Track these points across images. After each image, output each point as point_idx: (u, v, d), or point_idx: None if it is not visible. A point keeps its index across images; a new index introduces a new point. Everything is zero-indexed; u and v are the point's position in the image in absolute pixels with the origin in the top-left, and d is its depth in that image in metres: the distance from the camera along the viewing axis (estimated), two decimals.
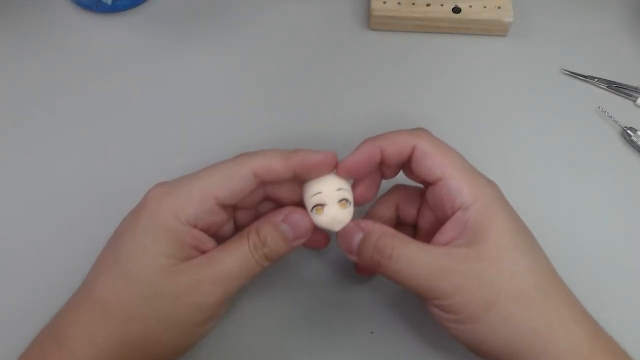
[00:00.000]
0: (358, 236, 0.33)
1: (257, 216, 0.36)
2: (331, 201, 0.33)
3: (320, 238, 0.37)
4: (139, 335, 0.31)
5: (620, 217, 0.42)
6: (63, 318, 0.32)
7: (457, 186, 0.32)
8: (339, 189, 0.33)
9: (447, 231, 0.33)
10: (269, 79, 0.48)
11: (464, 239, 0.32)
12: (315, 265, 0.40)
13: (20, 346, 0.32)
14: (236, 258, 0.32)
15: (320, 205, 0.33)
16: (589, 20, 0.51)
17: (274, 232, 0.33)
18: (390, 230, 0.33)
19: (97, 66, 0.48)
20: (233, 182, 0.33)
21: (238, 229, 0.36)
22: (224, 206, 0.33)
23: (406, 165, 0.35)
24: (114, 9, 0.50)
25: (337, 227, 0.33)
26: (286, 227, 0.33)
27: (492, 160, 0.44)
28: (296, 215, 0.34)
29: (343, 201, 0.33)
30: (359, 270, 0.39)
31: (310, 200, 0.34)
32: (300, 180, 0.35)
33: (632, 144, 0.44)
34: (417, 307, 0.39)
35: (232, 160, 0.34)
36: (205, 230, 0.33)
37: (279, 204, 0.36)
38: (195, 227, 0.32)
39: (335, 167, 0.34)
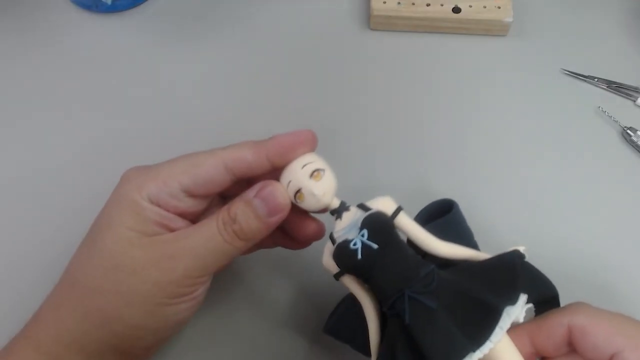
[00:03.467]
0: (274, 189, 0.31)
1: None
2: (303, 182, 0.31)
3: (312, 229, 0.34)
4: (100, 309, 0.30)
5: (620, 217, 0.42)
6: (48, 295, 0.32)
7: None
8: (303, 166, 0.31)
9: None
10: (268, 79, 0.48)
11: None
12: (314, 263, 0.40)
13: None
14: (202, 235, 0.31)
15: (297, 192, 0.31)
16: (589, 20, 0.51)
17: (245, 207, 0.31)
18: None
19: (96, 66, 0.48)
20: (199, 170, 0.31)
21: None
22: (194, 195, 0.32)
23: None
24: (113, 9, 0.50)
25: (325, 199, 0.31)
26: (258, 202, 0.31)
27: (491, 160, 0.44)
28: (268, 188, 0.31)
29: (315, 173, 0.31)
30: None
31: (289, 193, 0.31)
32: (281, 169, 0.32)
33: (632, 144, 0.44)
34: None
35: (206, 150, 0.32)
36: (171, 212, 0.32)
37: None
38: (159, 206, 0.31)
39: (314, 145, 0.32)
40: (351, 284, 0.31)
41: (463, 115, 0.46)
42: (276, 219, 0.31)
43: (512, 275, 0.28)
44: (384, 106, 0.47)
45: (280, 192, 0.31)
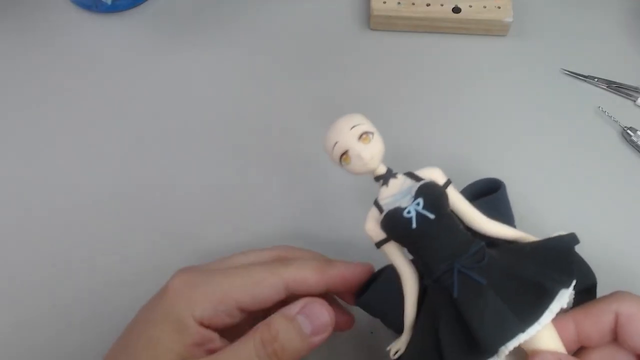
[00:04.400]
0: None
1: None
2: (351, 143, 0.30)
3: (345, 319, 0.33)
4: None
5: (620, 216, 0.42)
6: None
7: None
8: (352, 127, 0.30)
9: None
10: (269, 79, 0.48)
11: None
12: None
13: None
14: (238, 357, 0.28)
15: (344, 154, 0.30)
16: (589, 20, 0.51)
17: (287, 324, 0.29)
18: None
19: (96, 66, 0.48)
20: (259, 289, 0.30)
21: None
22: (246, 311, 0.30)
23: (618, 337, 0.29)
24: (113, 9, 0.50)
25: (372, 164, 0.30)
26: (303, 319, 0.29)
27: (491, 160, 0.44)
28: (315, 305, 0.29)
29: (363, 136, 0.30)
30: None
31: (333, 155, 0.30)
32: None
33: (632, 144, 0.44)
34: None
35: (265, 265, 0.31)
36: (218, 328, 0.30)
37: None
38: (208, 326, 0.29)
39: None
40: (393, 253, 0.30)
41: (462, 116, 0.46)
42: (319, 339, 0.29)
43: (567, 259, 0.28)
44: (383, 106, 0.47)
45: (327, 312, 0.29)
